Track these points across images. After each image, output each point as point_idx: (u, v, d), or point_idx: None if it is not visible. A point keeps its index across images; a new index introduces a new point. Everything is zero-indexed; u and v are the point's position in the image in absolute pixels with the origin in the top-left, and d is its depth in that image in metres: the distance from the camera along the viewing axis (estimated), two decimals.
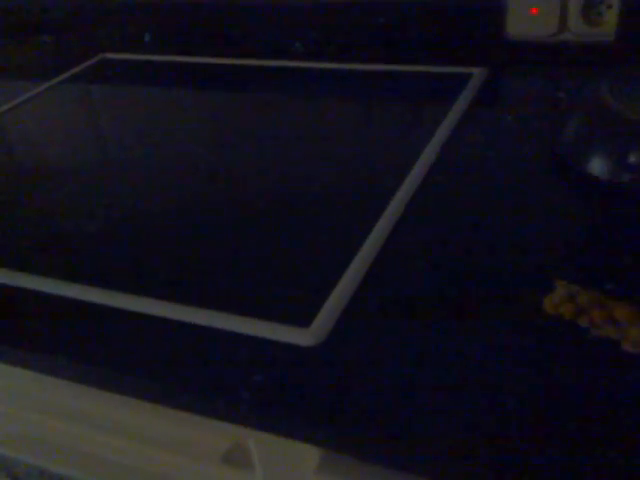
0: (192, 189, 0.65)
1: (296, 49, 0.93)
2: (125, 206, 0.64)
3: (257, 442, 0.46)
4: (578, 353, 0.41)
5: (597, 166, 0.57)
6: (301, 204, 0.60)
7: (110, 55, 1.03)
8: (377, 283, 0.49)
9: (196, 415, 0.44)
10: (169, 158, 0.71)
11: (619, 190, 0.56)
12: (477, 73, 0.79)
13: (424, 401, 0.40)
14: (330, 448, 0.40)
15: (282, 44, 0.93)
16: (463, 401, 0.39)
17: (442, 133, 0.68)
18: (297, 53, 0.92)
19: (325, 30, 0.90)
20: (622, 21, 0.76)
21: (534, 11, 0.81)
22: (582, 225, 0.54)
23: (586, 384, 0.39)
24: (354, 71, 0.86)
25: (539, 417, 0.38)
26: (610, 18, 0.79)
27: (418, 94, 0.78)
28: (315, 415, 0.40)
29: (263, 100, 0.83)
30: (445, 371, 0.41)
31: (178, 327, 0.47)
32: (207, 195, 0.63)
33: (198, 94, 0.88)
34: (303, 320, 0.46)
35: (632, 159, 0.55)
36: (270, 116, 0.78)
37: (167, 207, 0.62)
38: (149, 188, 0.66)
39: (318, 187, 0.62)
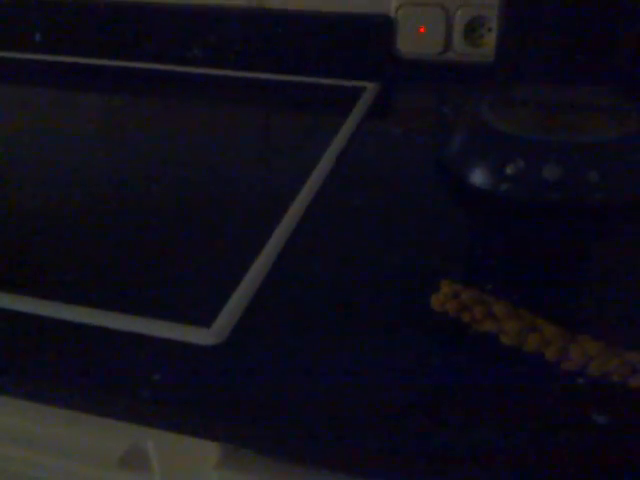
0: (84, 192, 0.64)
1: (194, 55, 0.93)
2: (15, 207, 0.62)
3: (155, 443, 0.46)
4: (462, 345, 0.45)
5: (478, 177, 0.61)
6: (201, 209, 0.61)
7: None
8: (276, 286, 0.51)
9: (95, 416, 0.43)
10: (51, 161, 0.70)
11: (498, 199, 0.60)
12: (370, 87, 0.83)
13: (318, 397, 0.42)
14: (228, 441, 0.42)
15: (180, 49, 0.93)
16: (357, 397, 0.42)
17: (338, 143, 0.71)
18: (195, 59, 0.93)
19: (224, 37, 0.91)
20: (501, 43, 0.83)
21: (421, 30, 0.86)
22: (464, 231, 0.58)
23: (470, 373, 0.43)
24: (251, 79, 0.87)
25: (429, 405, 0.41)
26: (490, 40, 0.85)
27: (314, 105, 0.81)
28: (214, 411, 0.41)
29: (158, 105, 0.83)
30: (339, 369, 0.44)
31: (76, 328, 0.47)
32: (102, 198, 0.63)
33: (89, 96, 0.86)
34: (204, 320, 0.47)
35: (508, 171, 0.59)
36: (164, 121, 0.78)
37: (60, 208, 0.61)
38: (37, 190, 0.65)
39: (219, 192, 0.63)
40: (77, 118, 0.80)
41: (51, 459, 0.50)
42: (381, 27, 0.86)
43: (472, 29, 0.85)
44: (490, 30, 0.84)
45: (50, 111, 0.82)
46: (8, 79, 0.92)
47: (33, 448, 0.50)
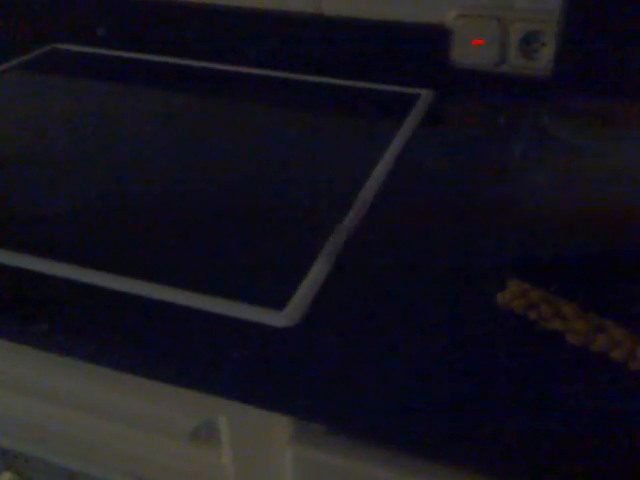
0: (151, 180, 0.67)
1: (251, 56, 0.96)
2: (86, 192, 0.64)
3: (228, 418, 0.48)
4: (528, 342, 0.46)
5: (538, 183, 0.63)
6: (268, 201, 0.63)
7: (60, 46, 1.02)
8: (345, 274, 0.53)
9: (170, 388, 0.46)
10: (109, 154, 0.72)
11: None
12: (424, 95, 0.85)
13: (386, 380, 0.43)
14: (303, 417, 0.44)
15: (238, 49, 0.96)
16: (425, 383, 0.43)
17: (395, 148, 0.73)
18: (252, 60, 0.95)
19: (280, 40, 0.94)
20: (557, 58, 0.84)
21: (478, 42, 0.88)
22: (528, 232, 0.59)
23: (536, 370, 0.44)
24: (308, 83, 0.90)
25: (495, 396, 0.42)
26: (544, 54, 0.87)
27: (369, 111, 0.83)
28: (289, 386, 0.43)
29: (217, 104, 0.85)
30: (406, 355, 0.45)
31: (163, 305, 0.49)
32: (171, 186, 0.65)
33: (148, 92, 0.89)
34: (278, 303, 0.49)
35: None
36: (220, 121, 0.81)
37: (141, 198, 0.64)
38: (100, 178, 0.67)
39: (282, 189, 0.65)
40: (136, 114, 0.83)
41: (125, 429, 0.53)
42: (437, 36, 0.88)
43: (527, 42, 0.87)
44: (544, 45, 0.86)
45: (109, 106, 0.85)
46: (69, 73, 0.95)
47: (109, 417, 0.53)
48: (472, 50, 0.89)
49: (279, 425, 0.47)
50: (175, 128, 0.78)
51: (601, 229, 0.59)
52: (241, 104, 0.85)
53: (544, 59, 0.87)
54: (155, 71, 0.95)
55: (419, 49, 0.89)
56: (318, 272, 0.52)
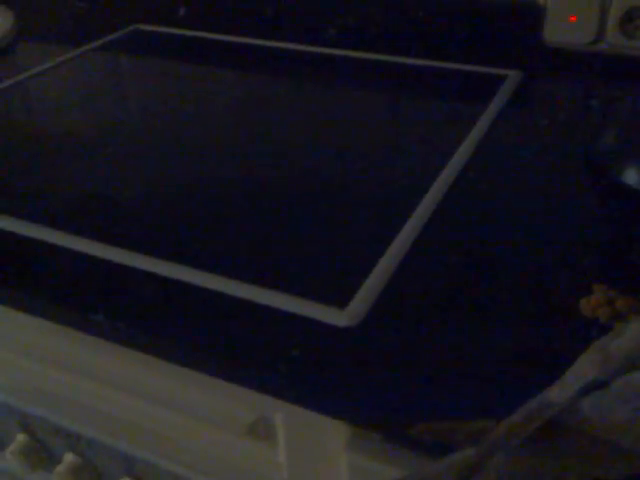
0: (225, 166, 0.65)
1: (330, 35, 0.93)
2: (160, 177, 0.64)
3: (285, 416, 0.47)
4: None
5: (632, 176, 0.58)
6: (337, 192, 0.61)
7: (143, 26, 1.03)
8: (411, 273, 0.50)
9: (230, 383, 0.44)
10: (192, 136, 0.72)
11: None
12: (512, 75, 0.80)
13: (451, 387, 0.40)
14: (358, 424, 0.41)
15: (316, 29, 0.93)
16: (489, 392, 0.40)
17: (477, 132, 0.69)
18: (331, 40, 0.93)
19: (361, 19, 0.90)
20: None
21: (573, 19, 0.82)
22: (617, 233, 0.54)
23: None
24: (387, 63, 0.86)
25: None
26: None
27: (453, 92, 0.79)
28: (346, 391, 0.41)
29: (293, 86, 0.83)
30: (475, 361, 0.42)
31: (217, 297, 0.48)
32: (243, 173, 0.64)
33: (229, 73, 0.88)
34: (340, 301, 0.47)
35: None
36: (299, 103, 0.79)
37: (201, 182, 0.63)
38: (176, 161, 0.67)
39: (353, 176, 0.63)
40: (216, 96, 0.82)
41: (183, 419, 0.52)
42: (528, 14, 0.82)
43: (629, 19, 0.80)
44: None
45: (190, 88, 0.84)
46: (151, 53, 0.95)
47: (168, 407, 0.52)
48: (566, 27, 0.82)
49: (335, 429, 0.45)
50: (254, 111, 0.77)
51: None
52: (320, 86, 0.83)
53: None
54: (236, 52, 0.94)
55: (508, 27, 0.84)
56: (384, 268, 0.50)
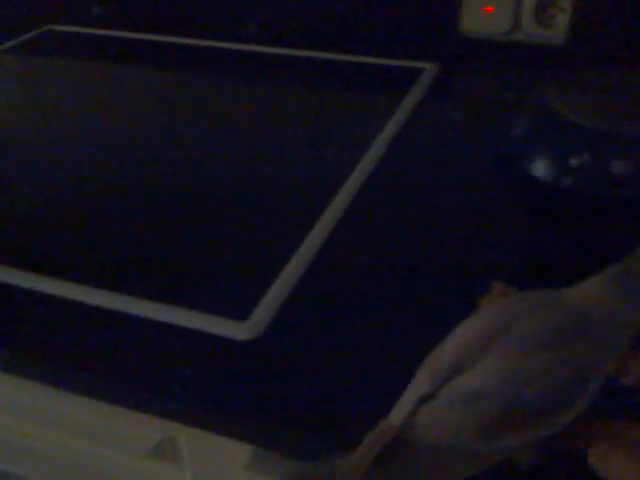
0: (130, 171, 0.63)
1: (248, 32, 0.91)
2: (59, 186, 0.61)
3: (188, 436, 0.45)
4: None
5: (539, 168, 0.57)
6: (244, 194, 0.59)
7: (57, 27, 0.99)
8: (317, 278, 0.49)
9: (125, 409, 0.42)
10: (107, 137, 0.69)
11: (560, 193, 0.56)
12: (428, 68, 0.79)
13: (358, 398, 0.39)
14: (257, 444, 0.40)
15: (234, 26, 0.91)
16: (398, 393, 0.39)
17: (392, 127, 0.68)
18: (249, 36, 0.91)
19: (279, 15, 0.89)
20: (573, 25, 0.77)
21: (488, 9, 0.81)
22: (522, 227, 0.54)
23: None
24: (303, 58, 0.85)
25: None
26: (562, 21, 0.79)
27: (368, 87, 0.78)
28: (244, 412, 0.39)
29: (211, 83, 0.81)
30: (378, 368, 0.41)
31: (109, 316, 0.46)
32: (147, 179, 0.62)
33: (145, 72, 0.85)
34: (240, 313, 0.45)
35: (573, 163, 0.55)
36: (217, 100, 0.77)
37: (102, 189, 0.60)
38: (83, 168, 0.64)
39: (262, 177, 0.61)
40: (131, 95, 0.79)
41: (87, 444, 0.50)
42: (444, 5, 0.82)
43: (543, 8, 0.80)
44: (563, 10, 0.79)
45: (104, 87, 0.82)
46: (65, 54, 0.92)
47: (69, 432, 0.50)
48: (482, 18, 0.82)
49: (239, 447, 0.43)
50: (170, 111, 0.74)
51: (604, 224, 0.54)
52: (238, 82, 0.81)
53: (561, 26, 0.80)
54: (153, 51, 0.91)
55: (424, 19, 0.83)
56: (289, 277, 0.48)
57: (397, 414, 0.31)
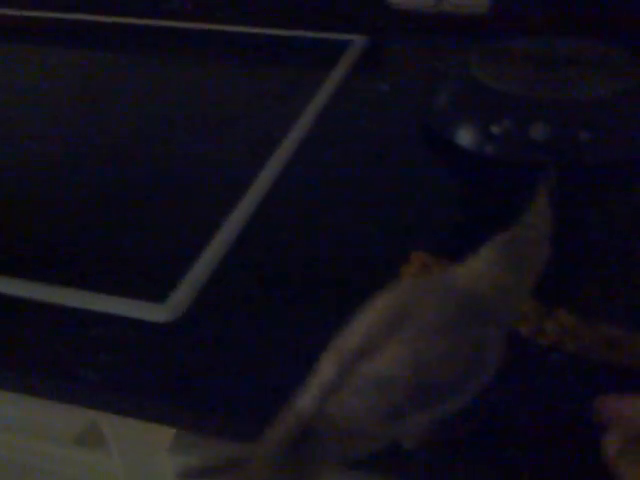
0: (42, 154, 0.61)
1: (171, 7, 0.88)
2: None
3: (110, 423, 0.44)
4: None
5: (463, 136, 0.58)
6: (164, 175, 0.57)
7: None
8: (240, 259, 0.48)
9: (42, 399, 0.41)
10: (20, 119, 0.67)
11: (483, 161, 0.56)
12: (357, 41, 0.78)
13: (280, 380, 0.39)
14: (181, 428, 0.39)
15: (155, 1, 0.88)
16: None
17: (319, 101, 0.67)
18: (171, 12, 0.88)
19: None
20: None
21: None
22: (446, 196, 0.54)
23: None
24: (229, 33, 0.83)
25: None
26: None
27: (297, 60, 0.77)
28: (163, 396, 0.38)
29: (134, 61, 0.79)
30: (301, 349, 0.41)
31: (23, 304, 0.44)
32: (60, 162, 0.60)
33: (63, 52, 0.83)
34: (159, 295, 0.44)
35: (494, 130, 0.55)
36: (139, 79, 0.75)
37: (14, 173, 0.58)
38: None
39: (183, 156, 0.60)
40: (51, 75, 0.77)
41: (10, 437, 0.49)
42: None
43: None
44: None
45: (25, 67, 0.79)
46: None
47: None
48: None
49: (160, 432, 0.42)
50: (87, 90, 0.72)
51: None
52: (162, 59, 0.79)
53: None
54: (72, 30, 0.88)
55: None
56: (210, 258, 0.47)
57: (303, 402, 0.31)
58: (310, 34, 0.80)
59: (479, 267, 0.33)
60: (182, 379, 0.39)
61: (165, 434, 0.42)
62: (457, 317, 0.32)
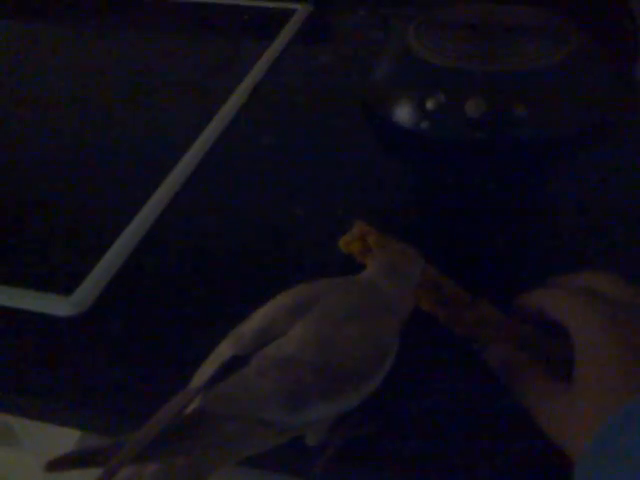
0: None
1: None
2: None
3: (18, 421, 0.43)
4: None
5: (398, 113, 0.55)
6: (74, 156, 0.55)
7: None
8: (158, 244, 0.46)
9: None
10: None
11: (419, 137, 0.54)
12: (300, 9, 0.75)
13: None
14: (86, 430, 0.38)
15: None
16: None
17: (257, 72, 0.64)
18: None
19: None
20: None
21: None
22: (381, 173, 0.52)
23: None
24: (168, 2, 0.79)
25: None
26: None
27: (236, 30, 0.74)
28: (68, 396, 0.37)
29: (63, 31, 0.76)
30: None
31: None
32: None
33: None
34: (64, 288, 0.42)
35: (429, 106, 0.53)
36: (68, 48, 0.72)
37: None
38: None
39: (101, 137, 0.57)
40: None
41: None
42: None
43: None
44: None
45: None
46: None
47: None
48: None
49: (64, 433, 0.41)
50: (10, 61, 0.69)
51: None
52: (91, 27, 0.76)
53: None
54: None
55: None
56: (120, 250, 0.45)
57: (197, 380, 0.30)
58: (253, 2, 0.77)
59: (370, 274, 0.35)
60: (86, 378, 0.37)
61: (68, 436, 0.41)
62: (359, 305, 0.33)
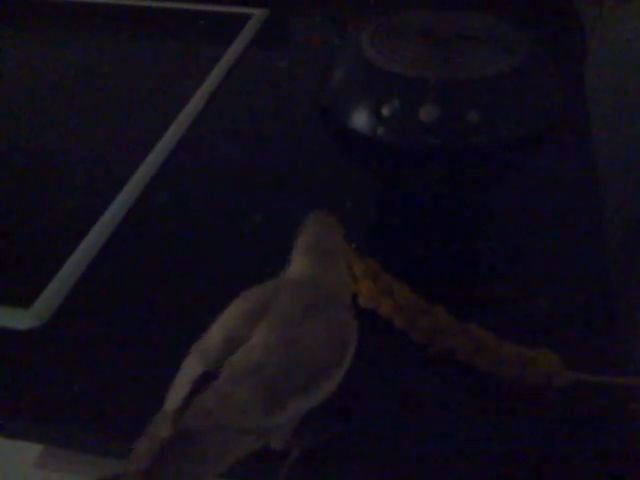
0: None
1: None
2: None
3: None
4: None
5: (354, 119, 0.56)
6: (37, 161, 0.54)
7: None
8: (114, 258, 0.46)
9: None
10: None
11: (375, 144, 0.55)
12: (257, 14, 0.76)
13: (151, 390, 0.37)
14: (45, 442, 0.38)
15: None
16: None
17: (213, 79, 0.64)
18: None
19: None
20: None
21: None
22: (338, 181, 0.53)
23: None
24: (124, 7, 0.79)
25: None
26: None
27: (192, 35, 0.74)
28: (25, 413, 0.37)
29: (29, 36, 0.75)
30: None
31: None
32: None
33: None
34: (22, 301, 0.42)
35: (384, 112, 0.54)
36: (32, 53, 0.71)
37: None
38: None
39: (60, 144, 0.57)
40: None
41: None
42: None
43: None
44: None
45: None
46: None
47: None
48: None
49: (26, 446, 0.41)
50: None
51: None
52: (53, 31, 0.75)
53: None
54: None
55: None
56: (79, 259, 0.45)
57: (172, 402, 0.31)
58: (210, 7, 0.77)
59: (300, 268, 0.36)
60: (46, 392, 0.37)
61: (30, 449, 0.41)
62: (310, 303, 0.34)
